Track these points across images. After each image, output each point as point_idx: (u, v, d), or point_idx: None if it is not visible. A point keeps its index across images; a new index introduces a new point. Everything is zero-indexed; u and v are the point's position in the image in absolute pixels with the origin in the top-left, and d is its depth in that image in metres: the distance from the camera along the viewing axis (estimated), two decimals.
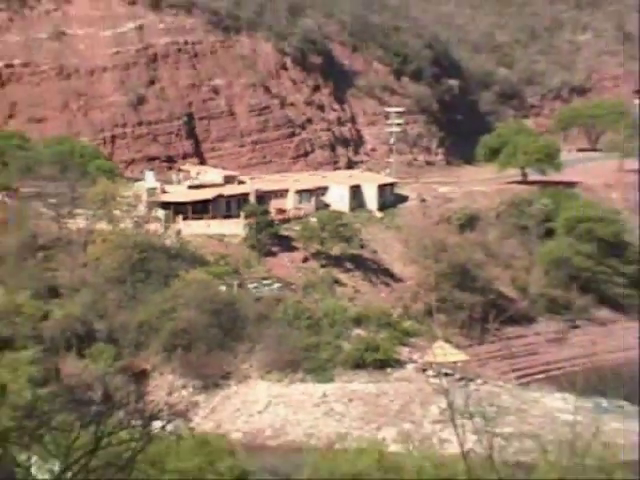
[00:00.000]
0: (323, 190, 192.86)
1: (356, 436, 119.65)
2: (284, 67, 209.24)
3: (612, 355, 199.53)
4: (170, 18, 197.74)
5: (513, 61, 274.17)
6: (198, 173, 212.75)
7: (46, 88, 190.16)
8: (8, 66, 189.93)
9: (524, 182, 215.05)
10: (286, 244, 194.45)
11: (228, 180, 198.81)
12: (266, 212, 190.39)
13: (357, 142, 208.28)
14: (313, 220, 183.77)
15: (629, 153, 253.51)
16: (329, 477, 58.75)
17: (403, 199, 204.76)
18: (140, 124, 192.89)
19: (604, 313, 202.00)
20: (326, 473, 65.78)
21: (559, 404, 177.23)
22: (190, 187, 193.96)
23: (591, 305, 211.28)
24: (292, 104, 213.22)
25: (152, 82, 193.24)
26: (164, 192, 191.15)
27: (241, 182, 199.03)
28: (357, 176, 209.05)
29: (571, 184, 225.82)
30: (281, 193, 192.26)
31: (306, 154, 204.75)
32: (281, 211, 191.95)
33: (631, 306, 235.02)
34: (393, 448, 79.35)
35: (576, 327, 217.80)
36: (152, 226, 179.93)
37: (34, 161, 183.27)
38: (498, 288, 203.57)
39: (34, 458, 25.89)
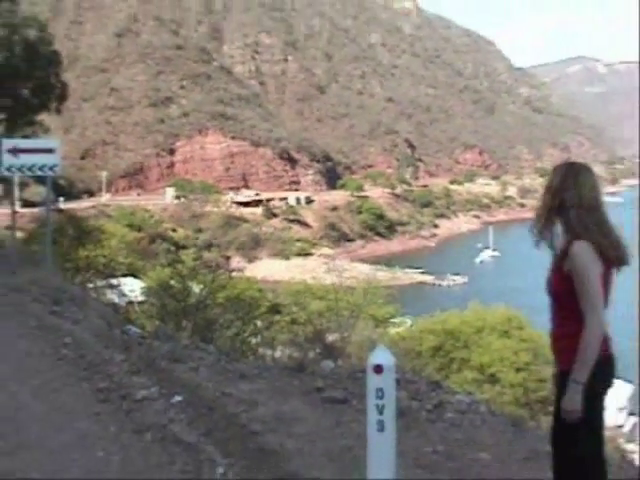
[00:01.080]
0: (286, 198, 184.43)
1: (297, 278, 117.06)
2: (274, 159, 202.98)
3: (381, 252, 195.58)
4: (237, 142, 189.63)
5: (349, 156, 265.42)
6: (246, 191, 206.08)
7: (193, 166, 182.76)
8: (184, 160, 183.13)
9: (353, 196, 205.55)
10: (275, 216, 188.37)
11: (256, 194, 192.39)
12: (268, 206, 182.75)
13: (298, 182, 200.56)
14: (284, 208, 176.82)
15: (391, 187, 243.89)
16: (287, 291, 59.07)
17: (313, 201, 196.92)
18: (228, 177, 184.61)
19: (377, 238, 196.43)
20: (285, 290, 65.44)
21: (365, 269, 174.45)
22: (244, 197, 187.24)
23: (373, 234, 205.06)
24: (277, 170, 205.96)
25: (232, 162, 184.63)
26: (236, 198, 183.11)
27: (259, 194, 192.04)
28: (298, 193, 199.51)
29: (367, 196, 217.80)
30: (274, 199, 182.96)
31: (282, 186, 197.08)
32: (274, 205, 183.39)
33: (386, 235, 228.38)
34: (310, 282, 77.94)
35: (368, 243, 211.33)
36: (231, 209, 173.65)
37: (194, 187, 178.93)
38: (345, 232, 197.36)
39: (194, 285, 25.43)
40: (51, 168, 19.79)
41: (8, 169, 19.54)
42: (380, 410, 5.92)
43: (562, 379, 5.47)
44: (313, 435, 7.65)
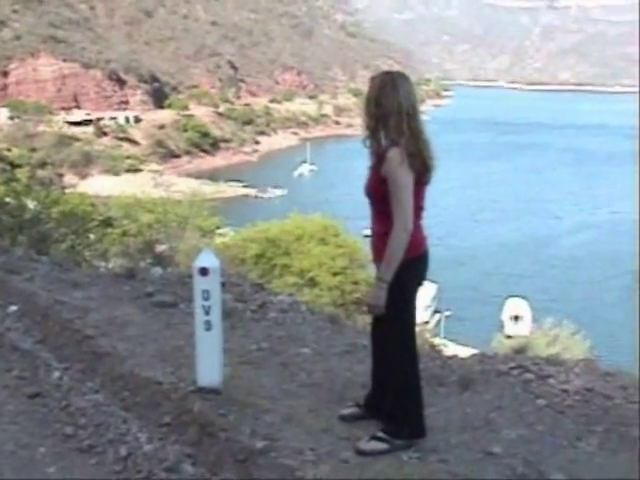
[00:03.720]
0: (116, 118, 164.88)
1: (128, 193, 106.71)
2: (104, 80, 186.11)
3: (206, 167, 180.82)
4: (68, 64, 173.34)
5: (175, 77, 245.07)
6: (78, 111, 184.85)
7: (27, 87, 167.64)
8: (17, 82, 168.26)
9: (179, 115, 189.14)
10: (105, 135, 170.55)
11: (87, 114, 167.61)
12: (99, 125, 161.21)
13: (127, 102, 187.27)
14: (114, 127, 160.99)
15: (215, 106, 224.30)
16: (117, 205, 52.07)
17: (141, 120, 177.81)
18: (60, 98, 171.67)
19: (202, 154, 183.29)
20: (116, 204, 59.72)
21: (192, 183, 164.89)
22: (76, 117, 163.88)
23: (198, 151, 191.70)
24: (107, 91, 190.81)
25: (63, 83, 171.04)
26: (68, 118, 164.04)
27: (89, 114, 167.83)
28: (127, 113, 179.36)
29: (192, 115, 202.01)
30: (104, 118, 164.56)
31: (111, 106, 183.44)
32: (104, 124, 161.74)
33: (211, 151, 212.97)
34: (139, 196, 71.08)
35: (194, 159, 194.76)
36: (64, 129, 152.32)
37: (27, 108, 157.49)
38: (172, 149, 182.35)
39: (29, 201, 23.53)
40: None
41: None
42: (207, 311, 5.93)
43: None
44: (144, 337, 7.61)
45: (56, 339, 7.61)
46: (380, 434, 5.41)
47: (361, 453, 5.26)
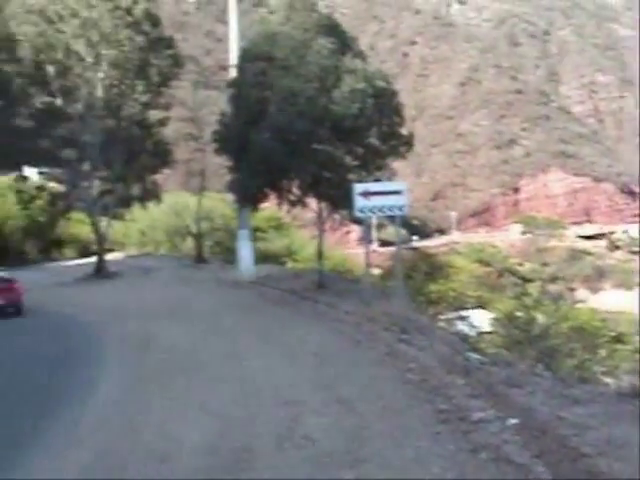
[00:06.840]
0: (627, 230, 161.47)
1: None
2: (616, 193, 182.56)
3: None
4: (579, 178, 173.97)
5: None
6: (589, 225, 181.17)
7: (537, 203, 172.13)
8: (528, 198, 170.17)
9: None
10: (618, 248, 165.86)
11: (600, 228, 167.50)
12: (611, 239, 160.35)
13: None
14: (627, 240, 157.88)
15: None
16: (629, 320, 47.04)
17: None
18: (571, 212, 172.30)
19: None
20: (627, 319, 53.38)
21: None
22: (587, 230, 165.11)
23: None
24: (618, 204, 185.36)
25: (575, 198, 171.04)
26: (579, 232, 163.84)
27: (602, 228, 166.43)
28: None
29: None
30: (615, 232, 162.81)
31: (623, 219, 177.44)
32: (617, 238, 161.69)
33: None
34: None
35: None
36: (576, 243, 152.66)
37: (539, 223, 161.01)
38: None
39: (539, 315, 23.39)
40: (399, 208, 20.40)
41: (360, 210, 20.41)
42: None
43: None
44: None
45: (552, 455, 7.59)
46: None
47: None
